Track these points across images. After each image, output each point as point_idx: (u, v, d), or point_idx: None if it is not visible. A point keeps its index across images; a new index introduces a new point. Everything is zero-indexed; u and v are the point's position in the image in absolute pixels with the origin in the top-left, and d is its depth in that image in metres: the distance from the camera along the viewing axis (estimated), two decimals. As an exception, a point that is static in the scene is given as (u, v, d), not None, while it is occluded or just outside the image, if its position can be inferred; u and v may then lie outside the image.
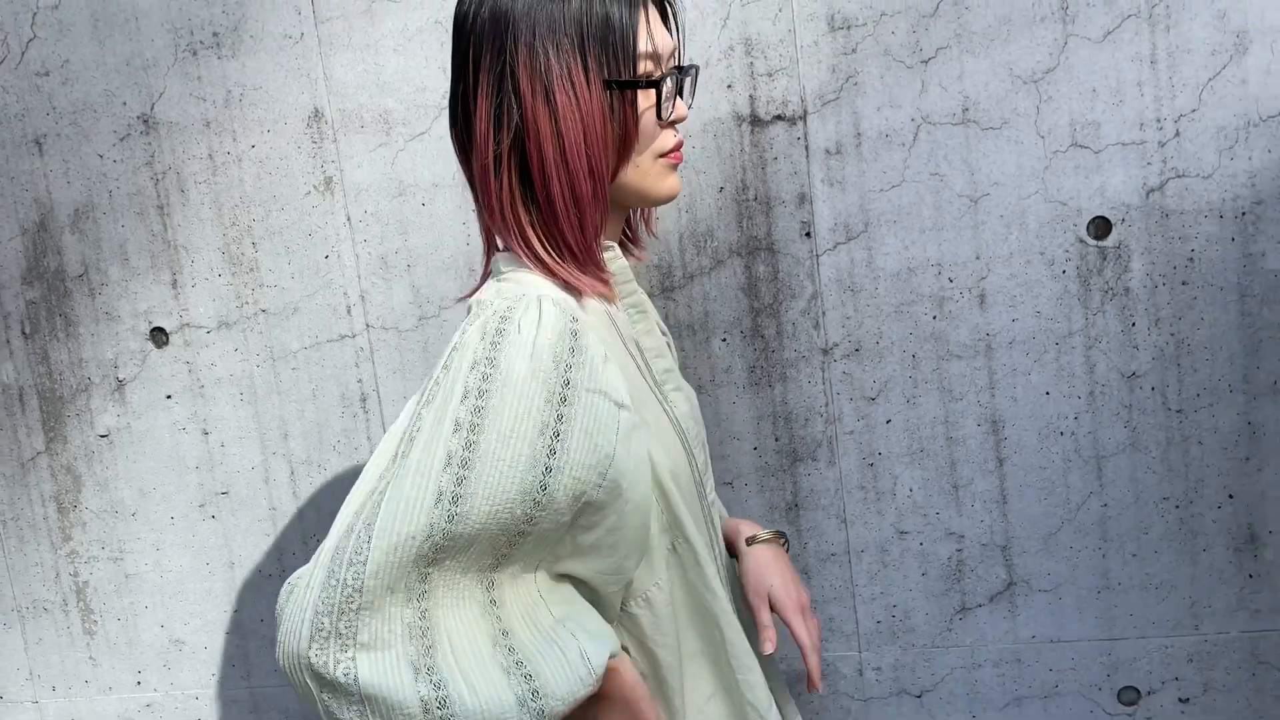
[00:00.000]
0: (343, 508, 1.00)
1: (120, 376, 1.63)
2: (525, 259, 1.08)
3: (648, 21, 1.07)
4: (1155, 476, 1.49)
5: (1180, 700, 1.54)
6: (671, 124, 1.11)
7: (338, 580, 0.93)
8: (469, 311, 1.05)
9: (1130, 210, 1.44)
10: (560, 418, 0.97)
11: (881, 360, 1.52)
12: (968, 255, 1.48)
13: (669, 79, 1.08)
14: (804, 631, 1.20)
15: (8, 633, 1.73)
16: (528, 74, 1.03)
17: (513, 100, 1.04)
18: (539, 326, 0.99)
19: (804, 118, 1.48)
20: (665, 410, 1.13)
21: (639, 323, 1.16)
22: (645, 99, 1.07)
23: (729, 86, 1.48)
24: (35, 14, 1.56)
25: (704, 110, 1.49)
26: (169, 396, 1.62)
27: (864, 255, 1.50)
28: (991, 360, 1.50)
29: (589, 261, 1.08)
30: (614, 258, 1.13)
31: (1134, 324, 1.46)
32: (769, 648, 1.17)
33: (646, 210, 1.27)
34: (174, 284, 1.60)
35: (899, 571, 1.56)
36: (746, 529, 1.27)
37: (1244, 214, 1.42)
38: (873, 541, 1.56)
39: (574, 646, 0.99)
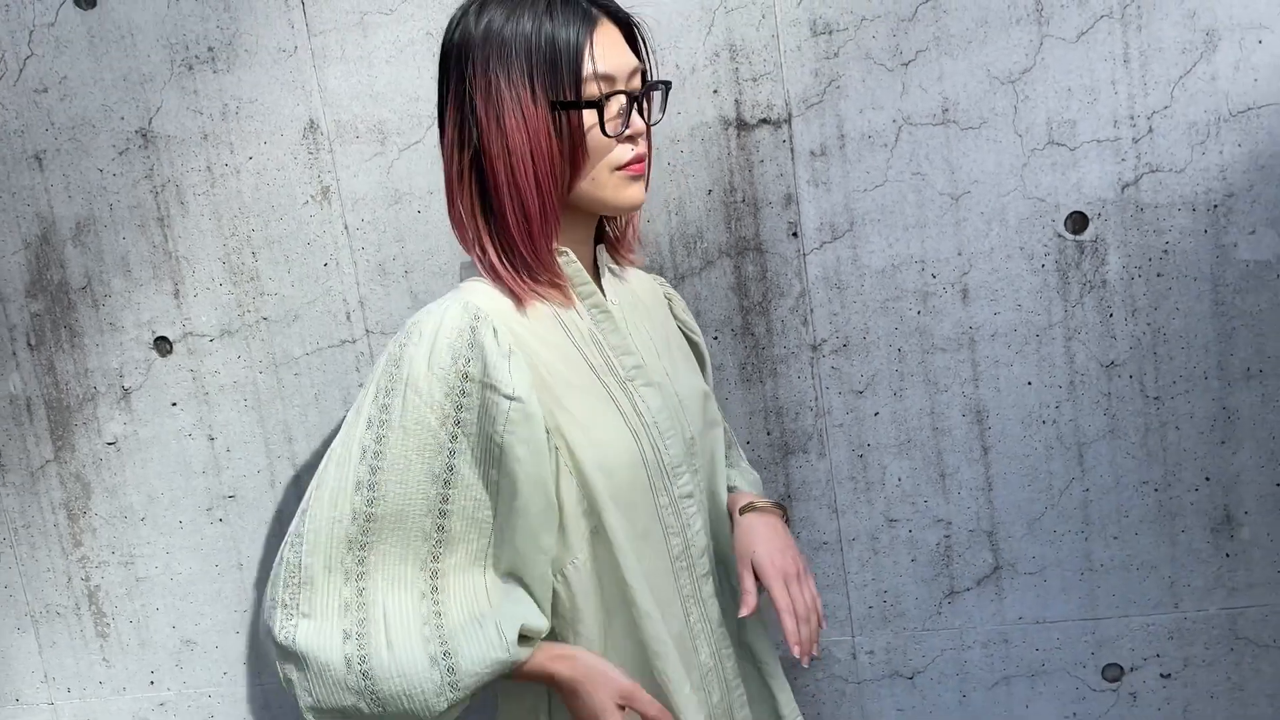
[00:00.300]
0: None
1: (126, 385, 1.66)
2: (480, 266, 1.18)
3: (597, 44, 1.13)
4: (1134, 461, 1.54)
5: (1162, 676, 1.59)
6: (631, 139, 1.16)
7: (283, 560, 1.14)
8: None
9: (1106, 205, 1.48)
10: (460, 407, 1.11)
11: (868, 355, 1.56)
12: (950, 252, 1.52)
13: (614, 98, 1.14)
14: (783, 596, 1.25)
15: (22, 637, 1.77)
16: (483, 99, 1.13)
17: (471, 122, 1.14)
18: (440, 327, 1.12)
19: (789, 121, 1.52)
20: (617, 404, 1.19)
21: (602, 322, 1.22)
22: (592, 117, 1.13)
23: (715, 91, 1.52)
24: (32, 31, 1.58)
25: (691, 115, 1.52)
26: (174, 404, 1.66)
27: (849, 253, 1.54)
28: (975, 353, 1.54)
29: (540, 267, 1.17)
30: (568, 262, 1.20)
31: (1112, 315, 1.51)
32: (743, 611, 1.24)
33: (630, 217, 1.31)
34: (176, 294, 1.63)
35: (889, 558, 1.61)
36: (743, 499, 1.33)
37: (1216, 207, 1.47)
38: (863, 530, 1.61)
39: (492, 620, 1.12)
